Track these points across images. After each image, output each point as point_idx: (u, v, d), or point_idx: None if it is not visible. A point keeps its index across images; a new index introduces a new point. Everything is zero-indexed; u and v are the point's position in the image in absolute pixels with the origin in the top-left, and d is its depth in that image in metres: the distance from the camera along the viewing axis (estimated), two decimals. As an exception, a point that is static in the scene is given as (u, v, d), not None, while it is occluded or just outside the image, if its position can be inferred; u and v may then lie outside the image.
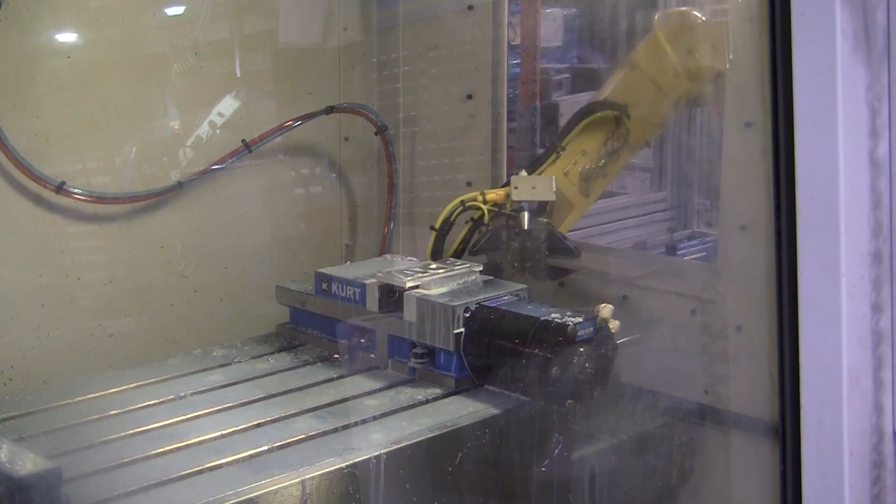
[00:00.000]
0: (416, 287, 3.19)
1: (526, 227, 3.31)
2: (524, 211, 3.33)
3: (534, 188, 3.34)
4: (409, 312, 3.15)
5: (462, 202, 3.44)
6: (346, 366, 3.30)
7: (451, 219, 3.44)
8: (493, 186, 3.66)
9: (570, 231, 3.62)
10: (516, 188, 3.35)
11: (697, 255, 4.69)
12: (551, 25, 5.10)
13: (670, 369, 3.23)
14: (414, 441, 2.73)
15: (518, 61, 4.95)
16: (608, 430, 3.12)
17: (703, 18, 3.36)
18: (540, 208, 3.34)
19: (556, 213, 3.47)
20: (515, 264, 3.36)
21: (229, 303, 3.81)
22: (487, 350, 3.01)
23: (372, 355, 3.29)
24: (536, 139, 5.20)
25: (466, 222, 3.49)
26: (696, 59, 3.34)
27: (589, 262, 3.57)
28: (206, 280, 3.74)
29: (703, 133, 4.48)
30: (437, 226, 3.44)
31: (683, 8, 3.50)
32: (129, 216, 3.55)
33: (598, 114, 3.51)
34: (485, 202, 3.42)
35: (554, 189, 3.33)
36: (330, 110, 3.91)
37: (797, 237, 2.20)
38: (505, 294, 3.17)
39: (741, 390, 3.02)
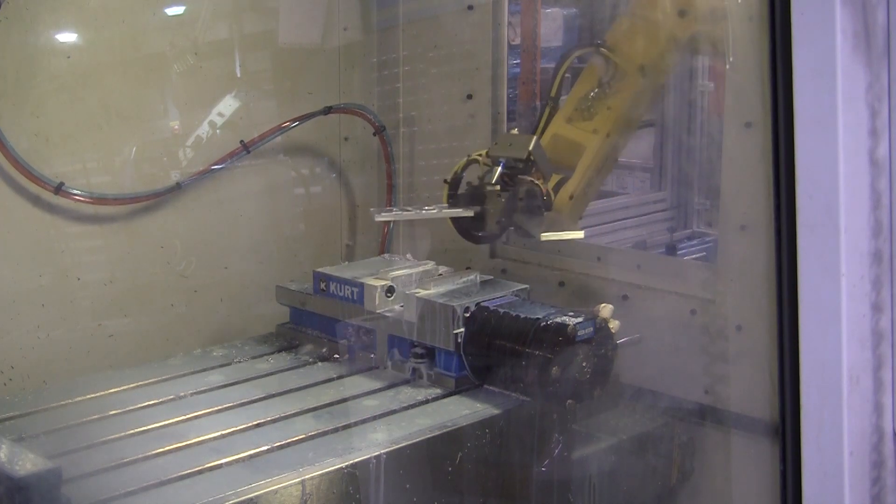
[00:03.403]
0: (416, 287, 3.19)
1: (494, 182, 3.26)
2: (497, 166, 3.29)
3: (511, 146, 3.30)
4: (409, 312, 3.15)
5: (468, 156, 3.45)
6: (345, 366, 3.30)
7: (459, 171, 3.44)
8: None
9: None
10: (496, 144, 3.35)
11: (697, 255, 4.64)
12: (551, 25, 5.09)
13: (670, 369, 3.23)
14: (414, 441, 2.73)
15: (518, 61, 4.93)
16: (608, 430, 3.11)
17: None
18: (527, 167, 3.27)
19: (569, 159, 3.41)
20: (500, 219, 3.31)
21: (229, 303, 3.80)
22: (487, 350, 3.01)
23: (372, 355, 3.29)
24: (537, 139, 5.17)
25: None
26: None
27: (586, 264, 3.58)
28: (206, 280, 3.73)
29: (703, 133, 4.47)
30: (448, 179, 3.44)
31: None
32: (129, 216, 3.53)
33: (576, 54, 3.51)
34: (488, 157, 3.40)
35: (530, 148, 3.24)
36: (328, 111, 3.90)
37: (797, 237, 2.19)
38: (505, 294, 3.17)
39: (741, 390, 3.02)
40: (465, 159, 3.41)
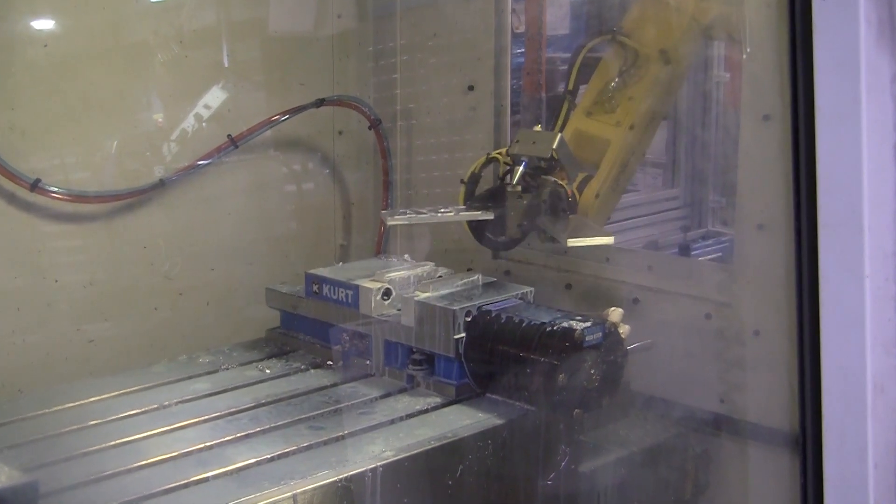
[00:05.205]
0: (415, 290, 3.15)
1: (515, 182, 3.21)
2: (518, 165, 3.23)
3: (534, 143, 3.24)
4: (407, 316, 3.11)
5: (487, 154, 3.41)
6: (339, 373, 3.26)
7: (477, 170, 3.40)
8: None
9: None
10: (517, 142, 3.28)
11: (712, 256, 4.67)
12: (557, 12, 5.12)
13: (683, 376, 3.21)
14: (412, 453, 2.70)
15: (522, 50, 4.95)
16: (618, 442, 3.08)
17: None
18: (550, 167, 3.23)
19: (593, 155, 3.37)
20: (522, 222, 3.26)
21: (216, 306, 3.79)
22: (490, 356, 2.97)
23: (367, 362, 3.25)
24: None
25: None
26: None
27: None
28: (192, 282, 3.72)
29: (719, 126, 4.47)
30: (465, 179, 3.40)
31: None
32: (111, 215, 3.52)
33: (592, 43, 3.46)
34: (508, 155, 3.36)
35: (554, 146, 3.19)
36: (320, 103, 3.88)
37: (818, 236, 2.17)
38: (508, 297, 3.14)
39: (759, 399, 3.01)
40: (483, 157, 3.36)
